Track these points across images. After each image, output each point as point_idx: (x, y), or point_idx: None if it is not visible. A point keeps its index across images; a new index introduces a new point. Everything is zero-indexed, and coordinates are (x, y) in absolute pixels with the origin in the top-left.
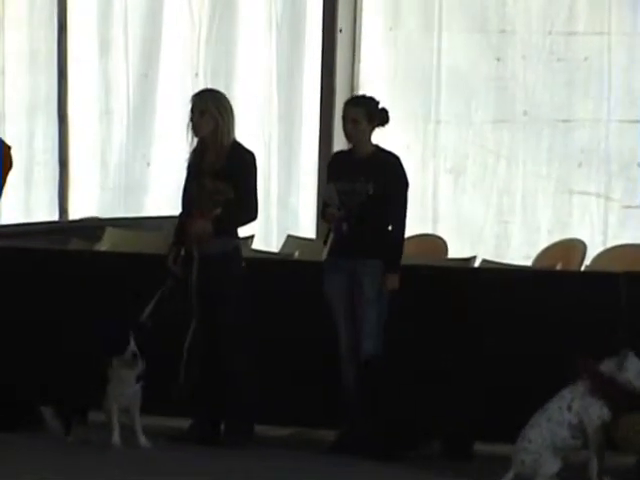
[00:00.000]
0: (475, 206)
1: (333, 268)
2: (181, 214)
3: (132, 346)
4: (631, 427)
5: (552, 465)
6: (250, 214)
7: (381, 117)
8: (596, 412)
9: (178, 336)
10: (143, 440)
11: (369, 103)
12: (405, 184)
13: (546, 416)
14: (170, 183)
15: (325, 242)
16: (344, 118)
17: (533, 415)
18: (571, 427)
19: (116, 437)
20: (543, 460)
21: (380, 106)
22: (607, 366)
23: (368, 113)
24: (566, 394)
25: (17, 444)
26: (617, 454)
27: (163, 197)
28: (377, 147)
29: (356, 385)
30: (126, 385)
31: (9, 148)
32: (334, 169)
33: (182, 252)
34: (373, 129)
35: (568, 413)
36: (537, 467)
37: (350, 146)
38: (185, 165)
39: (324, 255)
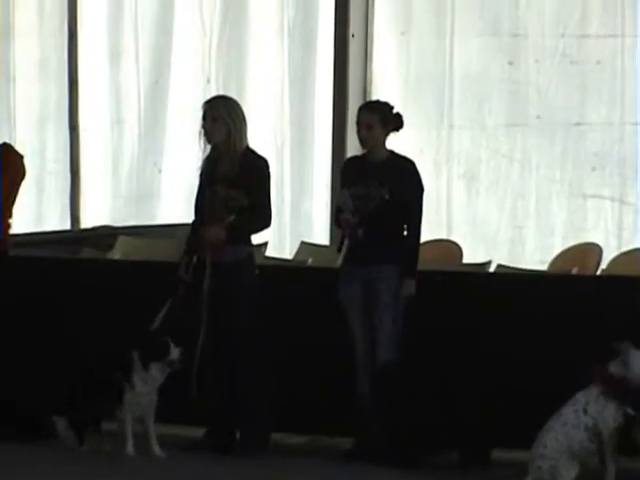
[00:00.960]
0: (489, 211)
1: (348, 275)
2: (194, 222)
3: (174, 352)
4: None
5: (570, 470)
6: (264, 221)
7: (395, 122)
8: (611, 415)
9: (191, 345)
10: (157, 449)
11: (383, 108)
12: (421, 189)
13: (561, 421)
14: (182, 190)
15: (339, 249)
16: (358, 123)
17: (548, 420)
18: (587, 430)
19: (130, 447)
20: (560, 465)
21: (394, 111)
22: (615, 367)
23: (382, 118)
24: (580, 398)
25: (30, 455)
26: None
27: (175, 204)
28: (392, 152)
29: (372, 392)
30: (142, 395)
31: (22, 157)
32: (348, 175)
33: (194, 260)
34: (387, 134)
35: (584, 416)
36: (555, 473)
37: (364, 151)
38: (197, 172)
39: (338, 262)
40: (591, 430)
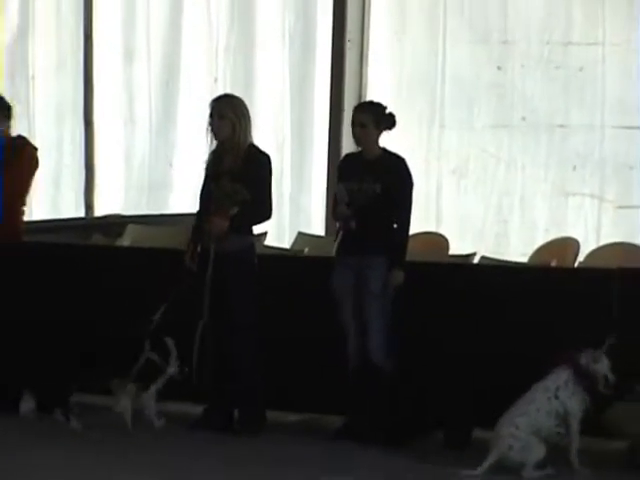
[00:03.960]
0: (476, 206)
1: (341, 264)
2: (198, 212)
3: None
4: (624, 415)
5: (539, 451)
6: (265, 213)
7: (388, 122)
8: (579, 401)
9: (192, 329)
10: (156, 422)
11: (377, 109)
12: (410, 185)
13: (535, 406)
14: (192, 183)
15: (336, 238)
16: (353, 123)
17: (514, 403)
18: (558, 416)
19: (160, 422)
20: (531, 445)
21: (387, 111)
22: (585, 359)
23: (376, 118)
24: (550, 385)
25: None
26: (605, 440)
27: (185, 196)
28: (384, 150)
29: (362, 377)
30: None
31: (36, 149)
32: (344, 170)
33: (199, 248)
34: (380, 133)
35: (555, 401)
36: (525, 452)
37: (359, 149)
38: (203, 166)
39: (334, 251)
40: (561, 416)
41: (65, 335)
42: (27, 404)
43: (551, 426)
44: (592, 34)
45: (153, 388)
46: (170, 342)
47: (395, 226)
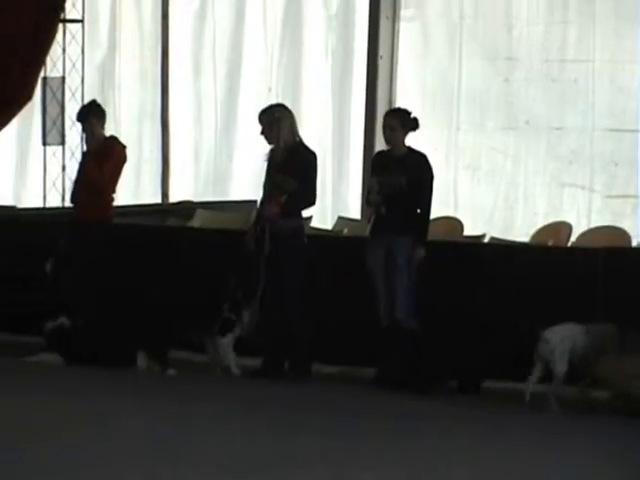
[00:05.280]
0: (486, 195)
1: (373, 243)
2: (261, 200)
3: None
4: (614, 367)
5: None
6: (310, 200)
7: (412, 124)
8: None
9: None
10: (234, 369)
11: (403, 114)
12: (431, 177)
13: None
14: (248, 175)
15: (369, 221)
16: (384, 126)
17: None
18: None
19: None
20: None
21: (412, 116)
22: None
23: (402, 122)
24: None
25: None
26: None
27: (242, 186)
28: (409, 148)
29: (391, 335)
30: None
31: (124, 147)
32: (376, 165)
33: (258, 230)
34: (406, 134)
35: None
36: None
37: (388, 148)
38: (264, 163)
39: (367, 232)
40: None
41: (156, 302)
42: (141, 359)
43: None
44: (584, 52)
45: (230, 337)
46: (243, 304)
47: (418, 211)
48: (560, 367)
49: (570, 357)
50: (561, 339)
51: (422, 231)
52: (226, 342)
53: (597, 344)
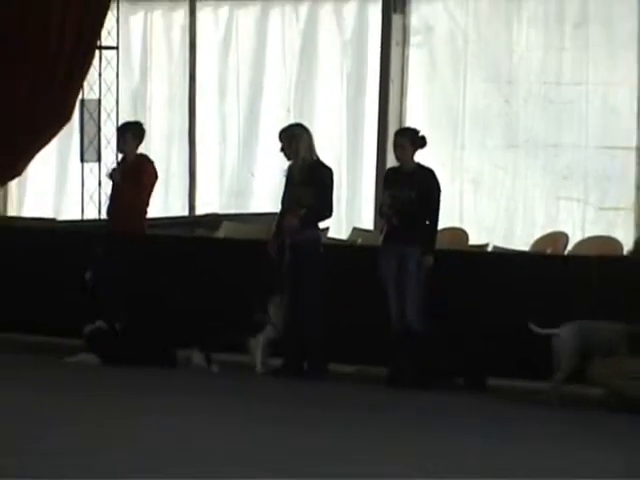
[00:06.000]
0: (489, 207)
1: (385, 251)
2: (280, 212)
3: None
4: (614, 368)
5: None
6: (326, 213)
7: (421, 142)
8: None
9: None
10: (259, 366)
11: (412, 133)
12: (439, 191)
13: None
14: (268, 189)
15: (381, 232)
16: (394, 144)
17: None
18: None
19: (259, 367)
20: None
21: (420, 134)
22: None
23: (411, 140)
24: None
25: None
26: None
27: (262, 200)
28: (418, 164)
29: (402, 336)
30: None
31: (153, 164)
32: (388, 180)
33: (279, 241)
34: (415, 151)
35: None
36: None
37: (399, 164)
38: (283, 178)
39: (379, 242)
40: None
41: (190, 306)
42: (197, 357)
43: None
44: (578, 76)
45: (260, 337)
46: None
47: (427, 222)
48: (566, 363)
49: (580, 353)
50: (573, 335)
51: (430, 240)
52: (255, 342)
53: (608, 342)
